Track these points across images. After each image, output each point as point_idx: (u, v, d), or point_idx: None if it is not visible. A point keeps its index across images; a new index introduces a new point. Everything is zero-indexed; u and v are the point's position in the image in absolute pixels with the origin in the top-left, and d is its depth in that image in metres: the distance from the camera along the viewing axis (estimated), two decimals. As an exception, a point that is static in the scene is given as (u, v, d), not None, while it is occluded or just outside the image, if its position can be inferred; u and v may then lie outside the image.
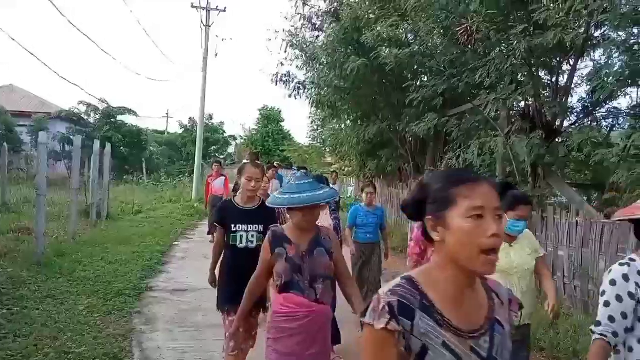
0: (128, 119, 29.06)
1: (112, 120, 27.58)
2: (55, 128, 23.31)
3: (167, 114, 53.86)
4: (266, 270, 2.96)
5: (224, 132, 42.45)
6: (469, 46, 8.30)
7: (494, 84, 8.06)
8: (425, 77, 11.11)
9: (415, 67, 10.75)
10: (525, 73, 7.88)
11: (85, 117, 27.26)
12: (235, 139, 44.67)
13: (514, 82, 7.70)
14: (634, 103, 7.40)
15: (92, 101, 26.87)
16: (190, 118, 39.02)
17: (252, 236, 3.77)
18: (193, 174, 21.87)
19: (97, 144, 12.76)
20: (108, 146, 14.02)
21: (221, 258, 4.09)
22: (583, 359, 4.77)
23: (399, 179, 13.71)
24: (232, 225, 3.77)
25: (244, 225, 3.77)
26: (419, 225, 3.24)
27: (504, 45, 8.00)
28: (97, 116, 27.47)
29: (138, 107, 72.89)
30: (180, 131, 40.72)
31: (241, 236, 3.77)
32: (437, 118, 9.23)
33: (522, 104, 8.50)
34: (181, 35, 70.00)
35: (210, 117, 38.78)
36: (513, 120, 8.33)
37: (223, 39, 34.87)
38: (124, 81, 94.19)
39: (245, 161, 4.38)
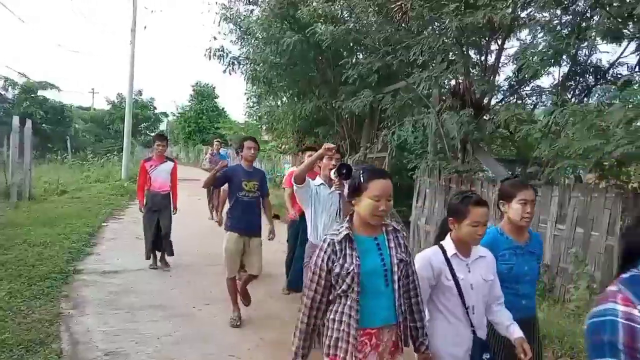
0: (50, 94, 27.46)
1: (33, 95, 25.98)
2: (-34, 103, 21.55)
3: (93, 89, 51.32)
4: None
5: (155, 108, 41.12)
6: (403, 24, 8.41)
7: (426, 62, 8.22)
8: (361, 55, 11.18)
9: (351, 44, 10.77)
10: (456, 52, 8.10)
11: (2, 92, 25.46)
12: (167, 115, 43.38)
13: (445, 60, 7.89)
14: (556, 82, 7.80)
15: (10, 75, 25.09)
16: (118, 94, 37.54)
17: None
18: (122, 152, 21.00)
19: (15, 120, 11.95)
20: (28, 122, 13.17)
21: None
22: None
23: (335, 155, 13.80)
24: None
25: None
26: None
27: (436, 23, 8.17)
28: (16, 91, 25.77)
29: (61, 81, 68.71)
30: (107, 107, 38.95)
31: None
32: (372, 95, 9.32)
33: (453, 82, 8.74)
34: (109, 6, 66.17)
35: (140, 92, 37.45)
36: (444, 97, 8.56)
37: (152, 11, 33.46)
38: (46, 54, 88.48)
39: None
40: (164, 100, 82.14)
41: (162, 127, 44.54)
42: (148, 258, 7.27)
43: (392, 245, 2.40)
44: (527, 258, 2.87)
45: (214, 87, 41.73)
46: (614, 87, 7.37)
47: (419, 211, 8.64)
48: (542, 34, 7.24)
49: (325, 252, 2.33)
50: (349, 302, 2.30)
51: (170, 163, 7.41)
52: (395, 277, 2.34)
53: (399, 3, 7.69)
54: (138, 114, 33.76)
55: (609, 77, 7.66)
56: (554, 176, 6.21)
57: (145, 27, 33.18)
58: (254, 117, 23.20)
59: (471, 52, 8.64)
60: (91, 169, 21.16)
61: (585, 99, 7.74)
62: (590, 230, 5.52)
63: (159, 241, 7.25)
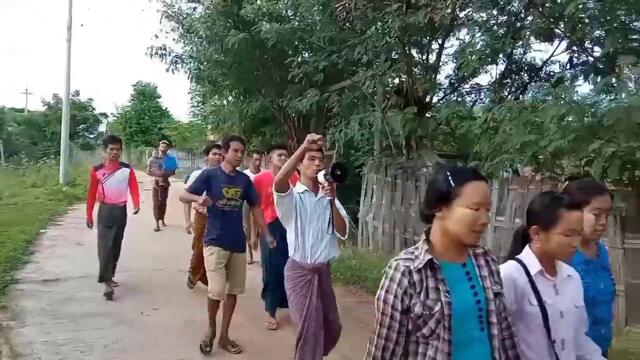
0: (-22, 96, 25.92)
1: (-41, 96, 24.37)
2: None
3: (27, 90, 48.88)
4: None
5: (94, 109, 39.72)
6: (347, 23, 8.52)
7: (370, 61, 8.37)
8: (306, 54, 11.22)
9: (296, 43, 10.78)
10: (399, 51, 8.30)
11: None
12: (106, 116, 41.98)
13: (389, 59, 8.07)
14: (494, 79, 8.16)
15: None
16: (54, 94, 35.96)
17: None
18: (59, 155, 20.09)
19: (-60, 123, 11.17)
20: (-45, 125, 12.40)
21: None
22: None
23: (283, 154, 13.79)
24: None
25: None
26: None
27: (379, 23, 8.33)
28: (-61, 92, 24.10)
29: (-10, 82, 65.01)
30: (42, 109, 37.23)
31: None
32: (318, 94, 9.39)
33: (397, 80, 8.95)
34: (43, 3, 63.15)
35: (77, 93, 36.00)
36: (388, 96, 8.75)
37: (89, 8, 32.21)
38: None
39: None
40: (103, 101, 79.26)
41: (102, 128, 43.13)
42: (102, 280, 6.06)
43: (485, 273, 1.79)
44: (601, 274, 2.33)
45: (156, 87, 40.79)
46: (547, 84, 7.77)
47: (366, 207, 8.79)
48: (479, 34, 7.54)
49: (399, 285, 1.69)
50: (430, 353, 1.68)
51: (125, 170, 6.32)
52: (494, 319, 1.73)
53: (343, 2, 7.78)
54: (76, 115, 32.44)
55: (542, 75, 8.08)
56: (493, 170, 6.47)
57: (82, 25, 31.86)
58: (199, 117, 22.84)
59: (413, 51, 8.88)
60: (26, 174, 20.13)
61: (521, 95, 8.12)
62: (528, 221, 5.79)
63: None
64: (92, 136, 40.64)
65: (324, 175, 3.17)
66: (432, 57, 8.78)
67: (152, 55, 12.53)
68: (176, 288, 6.35)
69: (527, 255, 2.07)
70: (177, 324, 5.09)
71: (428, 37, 8.51)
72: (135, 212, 6.53)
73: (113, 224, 6.14)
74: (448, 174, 1.76)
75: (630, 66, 5.23)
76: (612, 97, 5.57)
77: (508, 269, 2.03)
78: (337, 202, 3.43)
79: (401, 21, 7.08)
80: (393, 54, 8.35)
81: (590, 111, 5.40)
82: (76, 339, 4.67)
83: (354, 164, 9.40)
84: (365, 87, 8.12)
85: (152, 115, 38.91)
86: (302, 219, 3.39)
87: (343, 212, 3.51)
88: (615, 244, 4.79)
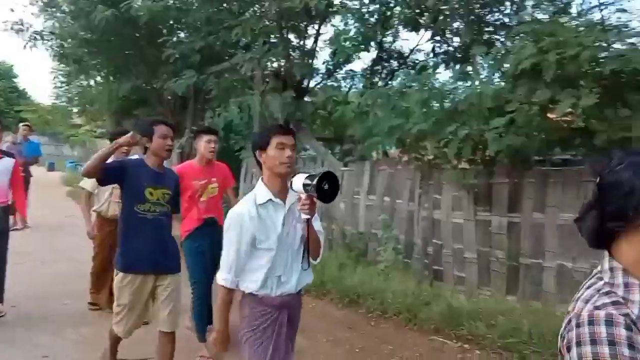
0: None
1: None
2: None
3: None
4: None
5: None
6: (225, 4, 8.40)
7: (249, 44, 8.33)
8: (182, 33, 10.84)
9: (171, 22, 10.37)
10: (277, 35, 8.36)
11: None
12: (-48, 97, 36.99)
13: (267, 43, 8.11)
14: (366, 66, 8.57)
15: None
16: None
17: None
18: None
19: None
20: None
21: None
22: (329, 288, 5.54)
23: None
24: None
25: None
26: None
27: (257, 5, 8.32)
28: None
29: None
30: None
31: None
32: (195, 75, 9.13)
33: (275, 64, 9.02)
34: None
35: None
36: (267, 79, 8.79)
37: None
38: None
39: None
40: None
41: (-55, 110, 38.02)
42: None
43: None
44: None
45: (12, 66, 36.82)
46: (412, 71, 8.35)
47: (246, 189, 8.80)
48: (353, 21, 7.86)
49: (629, 346, 0.98)
50: None
51: (9, 160, 4.84)
52: None
53: (219, -18, 7.66)
54: None
55: (409, 62, 8.65)
56: (365, 152, 6.85)
57: None
58: (63, 99, 21.10)
59: (291, 36, 8.99)
60: None
61: (390, 82, 8.63)
62: (395, 199, 6.23)
63: None
64: None
65: (305, 186, 2.11)
66: (310, 43, 8.98)
67: (7, 30, 11.35)
68: (36, 282, 5.88)
69: None
70: (39, 319, 4.73)
71: (305, 23, 8.67)
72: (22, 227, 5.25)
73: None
74: None
75: (482, 56, 5.83)
76: (468, 84, 6.15)
77: None
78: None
79: (278, 5, 7.13)
80: (271, 38, 8.40)
81: (449, 97, 5.92)
82: None
83: (233, 148, 9.33)
84: (244, 70, 8.07)
85: (7, 97, 35.10)
86: (264, 240, 2.30)
87: (318, 226, 2.45)
88: (469, 217, 5.35)
